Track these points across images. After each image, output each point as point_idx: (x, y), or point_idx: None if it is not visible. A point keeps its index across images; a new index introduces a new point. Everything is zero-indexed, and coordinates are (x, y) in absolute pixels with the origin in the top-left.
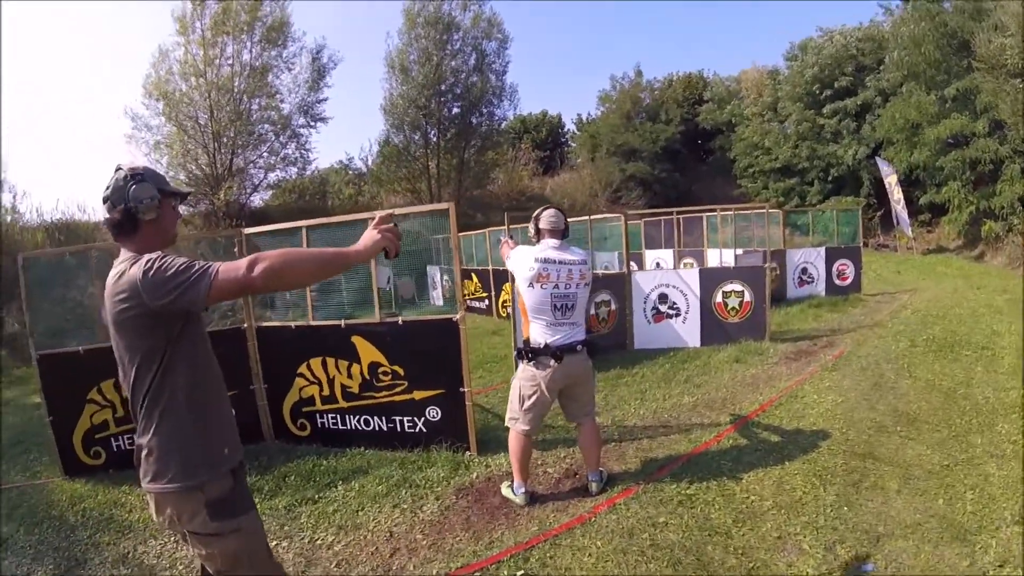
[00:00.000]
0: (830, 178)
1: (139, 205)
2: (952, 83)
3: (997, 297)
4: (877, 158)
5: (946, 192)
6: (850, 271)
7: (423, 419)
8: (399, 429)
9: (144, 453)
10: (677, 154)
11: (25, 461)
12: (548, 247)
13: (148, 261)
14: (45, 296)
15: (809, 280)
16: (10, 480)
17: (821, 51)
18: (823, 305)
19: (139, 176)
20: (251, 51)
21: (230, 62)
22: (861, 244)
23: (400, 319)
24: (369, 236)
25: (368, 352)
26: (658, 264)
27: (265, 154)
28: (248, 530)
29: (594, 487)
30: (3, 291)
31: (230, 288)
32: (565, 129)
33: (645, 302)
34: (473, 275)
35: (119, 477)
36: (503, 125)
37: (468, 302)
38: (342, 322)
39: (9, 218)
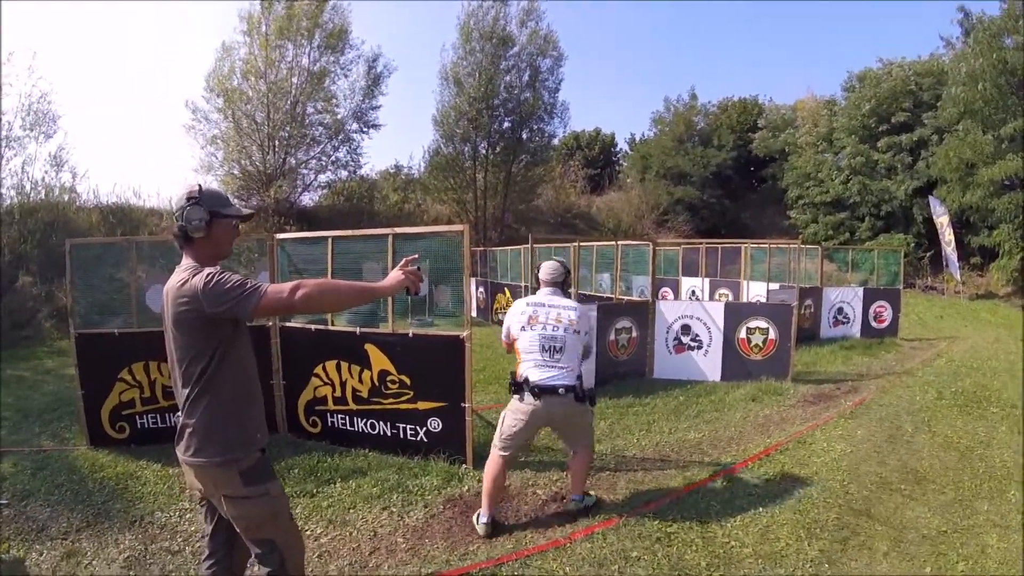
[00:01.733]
0: (881, 214)
1: (188, 225)
2: (1009, 122)
3: None
4: (930, 197)
5: (997, 236)
6: (887, 314)
7: (425, 429)
8: (402, 436)
9: (189, 432)
10: (728, 180)
11: (56, 428)
12: (542, 294)
13: (209, 275)
14: (88, 280)
15: (845, 320)
16: (39, 443)
17: (879, 83)
18: (856, 347)
19: (195, 199)
20: (310, 55)
21: (290, 64)
22: (901, 286)
23: (411, 332)
24: (395, 276)
25: (379, 360)
26: (693, 292)
27: (317, 156)
28: (274, 494)
29: (572, 506)
30: (55, 268)
31: (274, 307)
32: (617, 148)
33: (668, 332)
34: (506, 289)
35: (139, 452)
36: (553, 141)
37: (499, 316)
38: (357, 329)
39: (66, 197)
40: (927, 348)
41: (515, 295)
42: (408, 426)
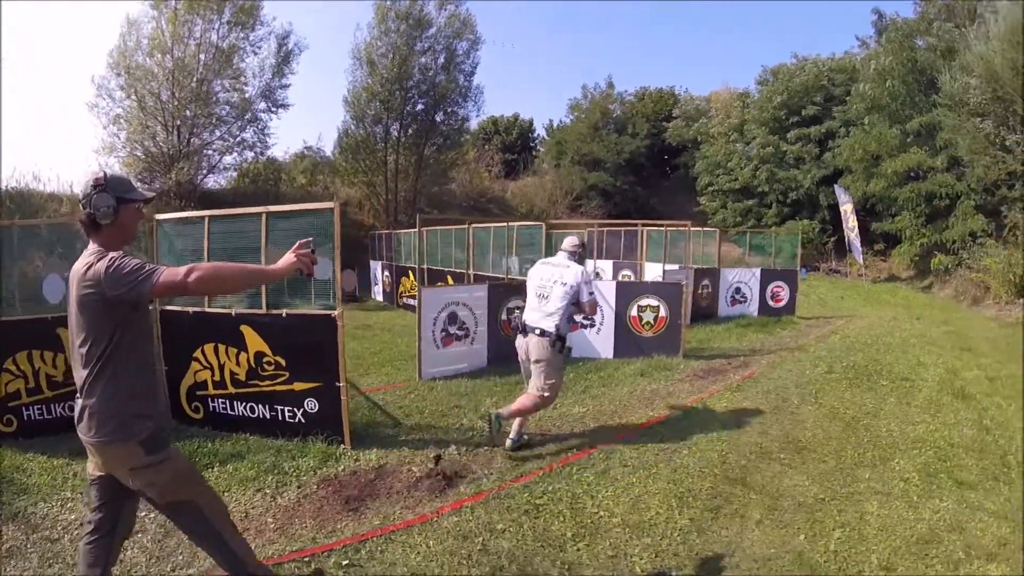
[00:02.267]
0: (788, 201)
1: (97, 212)
2: (915, 118)
3: (934, 329)
4: (835, 185)
5: (898, 223)
6: (785, 293)
7: (302, 410)
8: (281, 418)
9: (88, 412)
10: (641, 167)
11: None
12: (555, 257)
13: (111, 259)
14: None
15: (742, 300)
16: None
17: (792, 78)
18: (752, 325)
19: (101, 186)
20: (219, 31)
21: (198, 41)
22: (798, 267)
23: (284, 312)
24: (287, 259)
25: (255, 341)
26: (598, 275)
27: (223, 136)
28: (176, 457)
29: (508, 443)
30: None
31: (169, 289)
32: (535, 134)
33: None
34: (410, 272)
35: (26, 444)
36: (466, 125)
37: (404, 300)
38: (232, 311)
39: None
40: (824, 326)
41: (418, 278)
42: (286, 408)
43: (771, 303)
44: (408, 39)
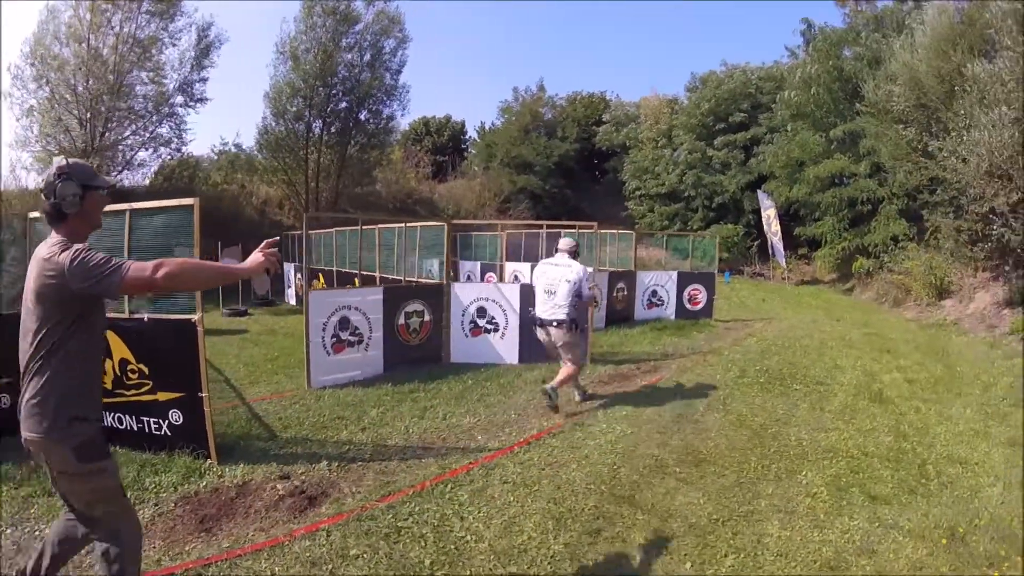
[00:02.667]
0: (713, 206)
1: (63, 201)
2: (839, 125)
3: (854, 331)
4: (758, 191)
5: (821, 227)
6: (703, 296)
7: (167, 422)
8: (147, 430)
9: (28, 406)
10: (571, 171)
11: None
12: (554, 258)
13: (76, 251)
14: None
15: (659, 303)
16: None
17: (720, 85)
18: (668, 328)
19: (65, 174)
20: (137, 21)
21: (115, 30)
22: (715, 271)
23: (146, 316)
24: (255, 258)
25: (119, 348)
26: (516, 277)
27: (138, 131)
28: (109, 471)
29: (548, 387)
30: None
31: (136, 285)
32: (467, 136)
33: (463, 315)
34: (320, 275)
35: None
36: (391, 124)
37: None
38: None
39: None
40: (741, 328)
41: (328, 280)
42: (152, 419)
43: (688, 306)
44: (334, 35)
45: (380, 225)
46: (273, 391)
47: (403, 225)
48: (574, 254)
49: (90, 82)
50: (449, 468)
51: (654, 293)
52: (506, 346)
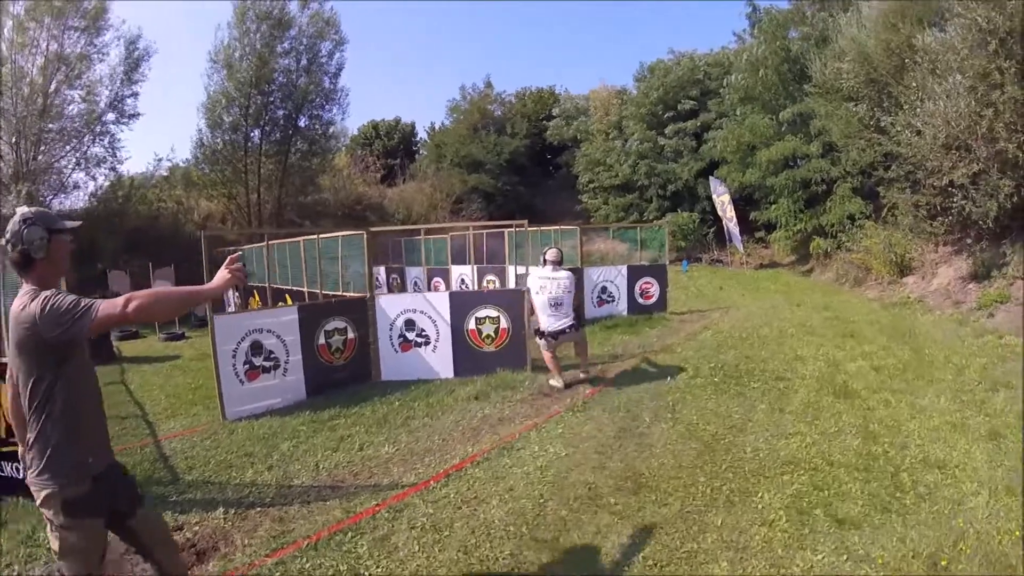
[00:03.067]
0: (667, 195)
1: (30, 247)
2: (788, 107)
3: (815, 315)
4: (710, 177)
5: (776, 210)
6: (655, 289)
7: None
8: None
9: (30, 455)
10: (522, 168)
11: None
12: (547, 270)
13: (44, 299)
14: None
15: (610, 299)
16: None
17: (668, 74)
18: (620, 326)
19: (30, 220)
20: (63, 38)
21: (41, 47)
22: (667, 261)
23: None
24: (222, 276)
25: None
26: (463, 280)
27: (70, 152)
28: (89, 533)
29: (584, 374)
30: None
31: (109, 322)
32: (418, 138)
33: (391, 329)
34: (255, 293)
35: None
36: (331, 129)
37: None
38: None
39: None
40: (697, 320)
41: (263, 298)
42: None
43: (641, 300)
44: (269, 40)
45: (303, 238)
46: (188, 425)
47: (315, 237)
48: (560, 262)
49: (17, 104)
50: (353, 512)
51: (604, 289)
52: (439, 360)
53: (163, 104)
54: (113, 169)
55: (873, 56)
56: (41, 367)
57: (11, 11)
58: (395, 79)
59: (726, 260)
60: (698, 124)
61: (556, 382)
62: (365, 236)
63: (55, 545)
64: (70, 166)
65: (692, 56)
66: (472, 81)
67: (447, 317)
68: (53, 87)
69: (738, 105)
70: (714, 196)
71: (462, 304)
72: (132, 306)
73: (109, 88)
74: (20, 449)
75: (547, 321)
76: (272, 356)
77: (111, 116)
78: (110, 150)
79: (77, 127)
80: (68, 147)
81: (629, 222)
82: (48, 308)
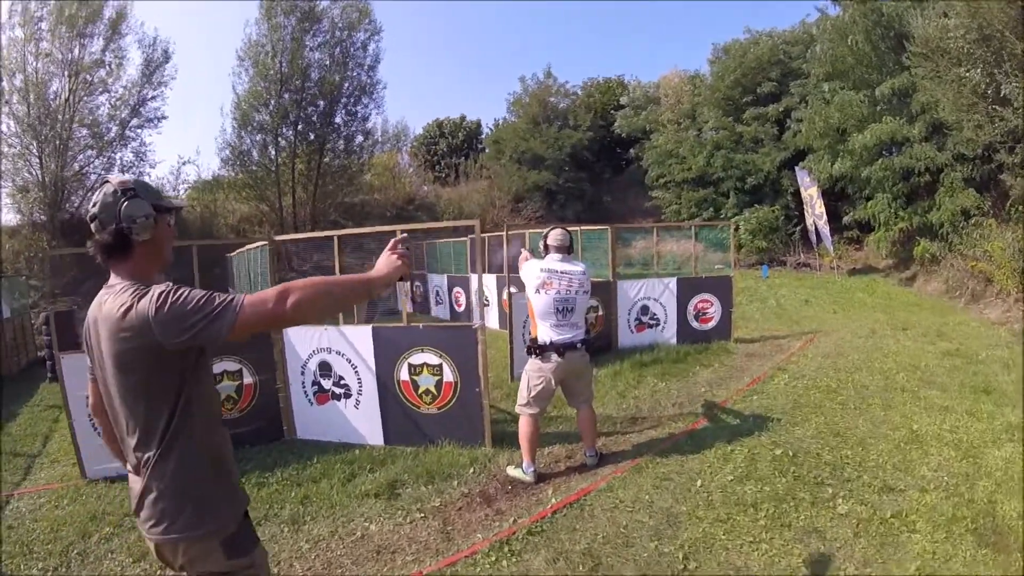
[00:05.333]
0: (746, 188)
1: (133, 225)
2: (885, 80)
3: (928, 348)
4: (796, 168)
5: (872, 207)
6: (715, 310)
7: None
8: None
9: (152, 499)
10: (588, 163)
11: None
12: (553, 260)
13: (161, 295)
14: None
15: (653, 322)
16: None
17: (745, 54)
18: (660, 362)
19: (131, 191)
20: (87, 46)
21: (61, 57)
22: (732, 271)
23: None
24: (389, 262)
25: None
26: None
27: (97, 157)
28: (258, 564)
29: (590, 461)
30: None
31: (257, 321)
32: (483, 135)
33: (303, 374)
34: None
35: None
36: (368, 125)
37: None
38: None
39: None
40: (770, 354)
41: None
42: None
43: (696, 324)
44: (298, 34)
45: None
46: (59, 477)
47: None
48: (570, 249)
49: (40, 113)
50: None
51: (644, 310)
52: (364, 419)
53: (185, 108)
54: (144, 173)
55: (987, 5)
56: (160, 388)
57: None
58: (460, 77)
59: (814, 264)
60: (780, 109)
61: (520, 473)
62: (269, 246)
63: None
64: (96, 173)
65: (771, 34)
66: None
67: (371, 362)
68: (78, 94)
69: (824, 81)
70: (802, 189)
71: (390, 344)
72: (291, 301)
73: (131, 91)
74: (127, 467)
75: (550, 331)
76: None
77: (135, 120)
78: (139, 154)
79: (102, 133)
80: (93, 152)
81: (704, 219)
82: (170, 306)
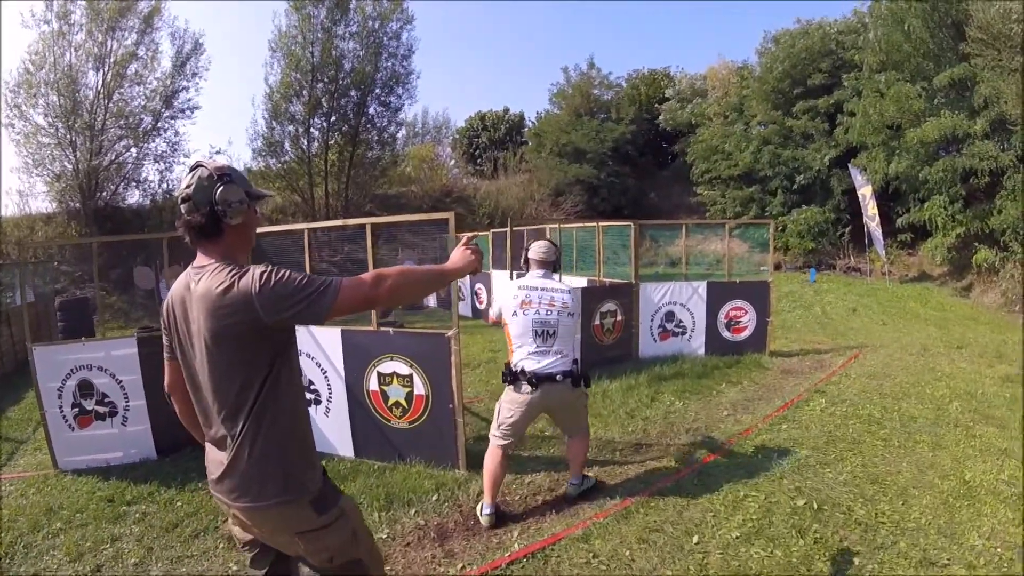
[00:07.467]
0: (795, 187)
1: (228, 209)
2: (944, 69)
3: (986, 372)
4: (849, 165)
5: (928, 209)
6: (749, 319)
7: None
8: None
9: (241, 472)
10: (631, 157)
11: None
12: (534, 276)
13: (264, 275)
14: None
15: (679, 330)
16: None
17: (795, 44)
18: (682, 376)
19: (227, 177)
20: (121, 38)
21: (100, 48)
22: (771, 275)
23: None
24: (464, 256)
25: None
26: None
27: (132, 147)
28: (348, 509)
29: (571, 491)
30: None
31: (354, 303)
32: (526, 128)
33: None
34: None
35: None
36: (400, 116)
37: None
38: None
39: None
40: (809, 370)
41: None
42: None
43: (727, 334)
44: (329, 24)
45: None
46: (36, 465)
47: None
48: (555, 265)
49: (78, 104)
50: None
51: (670, 316)
52: (335, 429)
53: (218, 99)
54: (175, 163)
55: None
56: (254, 364)
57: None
58: (506, 68)
59: (864, 268)
60: (831, 102)
61: (479, 512)
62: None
63: (328, 556)
64: (135, 162)
65: (822, 24)
66: (575, 63)
67: (340, 368)
68: (113, 86)
69: (878, 72)
70: (857, 189)
71: (359, 350)
72: (386, 286)
73: (164, 83)
74: (207, 447)
75: (526, 359)
76: (106, 400)
77: (167, 112)
78: (171, 144)
79: (136, 123)
80: (128, 142)
81: (750, 218)
82: (274, 284)
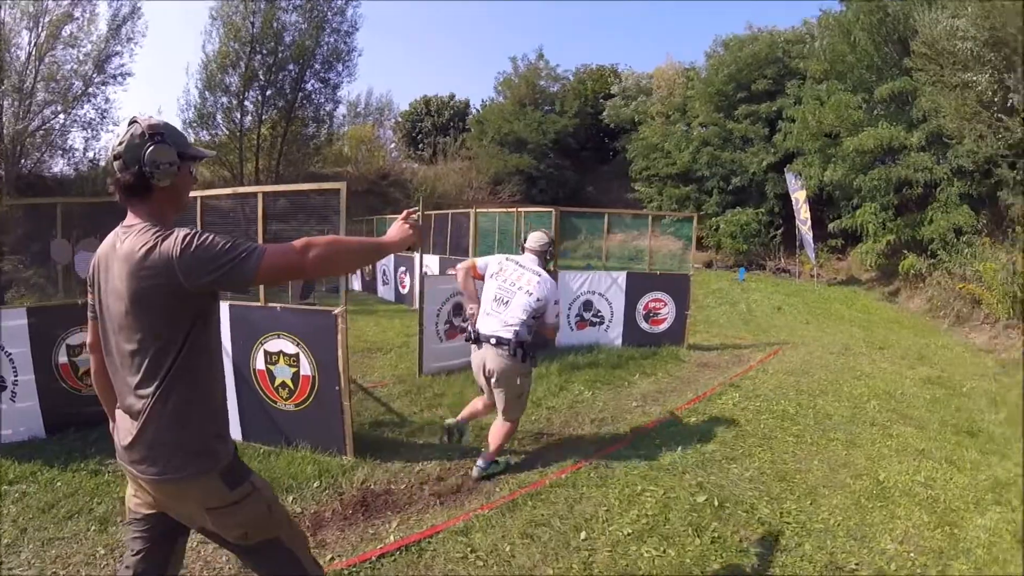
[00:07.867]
0: (731, 188)
1: (156, 171)
2: (885, 82)
3: (907, 373)
4: (785, 170)
5: (860, 216)
6: (668, 310)
7: None
8: None
9: (150, 441)
10: (572, 150)
11: None
12: (521, 257)
13: (187, 238)
14: None
15: (596, 320)
16: None
17: (742, 49)
18: (596, 366)
19: (159, 136)
20: None
21: (37, 6)
22: (691, 269)
23: None
24: (402, 230)
25: None
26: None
27: (59, 113)
28: (260, 485)
29: (476, 472)
30: None
31: (278, 270)
32: (471, 115)
33: None
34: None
35: None
36: (338, 94)
37: None
38: None
39: None
40: (727, 364)
41: None
42: None
43: (645, 326)
44: None
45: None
46: None
47: None
48: (546, 257)
49: (8, 62)
50: None
51: (587, 305)
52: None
53: (156, 68)
54: (102, 131)
55: (1001, 7)
56: (170, 327)
57: None
58: (457, 55)
59: (794, 270)
60: (773, 108)
61: (448, 420)
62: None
63: (242, 532)
64: (61, 129)
65: (772, 32)
66: (524, 53)
67: (227, 344)
68: (39, 48)
69: (821, 80)
70: (791, 193)
71: (246, 325)
72: (313, 254)
73: (98, 47)
74: (111, 425)
75: (481, 320)
76: None
77: (99, 77)
78: (100, 112)
79: (65, 88)
80: (56, 108)
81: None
82: (195, 248)
